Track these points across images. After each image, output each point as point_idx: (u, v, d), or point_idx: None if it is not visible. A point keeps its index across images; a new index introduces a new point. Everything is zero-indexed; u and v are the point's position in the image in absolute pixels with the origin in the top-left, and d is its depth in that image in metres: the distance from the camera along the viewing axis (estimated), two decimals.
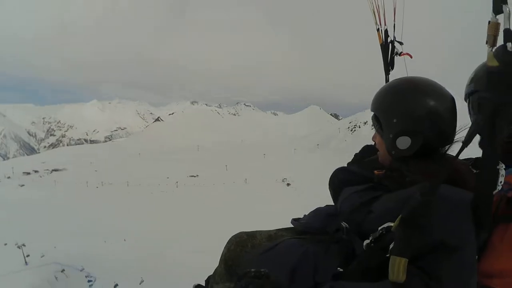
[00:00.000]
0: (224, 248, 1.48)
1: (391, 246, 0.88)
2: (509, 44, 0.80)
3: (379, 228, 0.93)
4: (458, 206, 0.92)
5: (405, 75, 1.51)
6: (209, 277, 1.67)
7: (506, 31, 0.80)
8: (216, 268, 1.55)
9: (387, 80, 1.79)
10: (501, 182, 0.92)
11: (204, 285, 1.72)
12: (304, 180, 49.52)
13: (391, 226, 0.90)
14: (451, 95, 1.20)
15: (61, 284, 11.33)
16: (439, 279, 0.84)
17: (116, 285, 11.83)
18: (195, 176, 78.46)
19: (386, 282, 0.84)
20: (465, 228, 0.91)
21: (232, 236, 1.50)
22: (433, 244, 0.87)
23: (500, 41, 0.85)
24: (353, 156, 1.68)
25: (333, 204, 1.50)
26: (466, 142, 0.87)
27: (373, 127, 1.31)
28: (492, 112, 0.84)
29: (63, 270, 11.55)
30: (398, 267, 0.81)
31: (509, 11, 0.81)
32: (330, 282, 0.91)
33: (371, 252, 0.94)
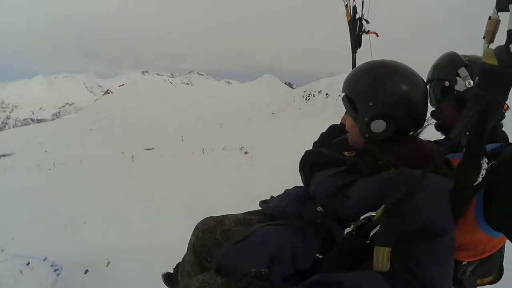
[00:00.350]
0: (192, 235, 1.46)
1: (372, 233, 0.90)
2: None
3: (361, 218, 0.94)
4: (439, 194, 0.96)
5: (370, 53, 1.67)
6: (178, 265, 1.67)
7: (510, 32, 0.80)
8: (185, 256, 1.53)
9: (353, 58, 1.76)
10: (482, 175, 0.95)
11: (173, 272, 1.74)
12: (261, 148, 50.22)
13: (373, 215, 0.91)
14: (424, 81, 1.27)
15: (27, 278, 10.78)
16: (421, 263, 0.85)
17: (87, 270, 11.59)
18: (150, 149, 76.42)
19: (372, 272, 0.85)
20: (446, 215, 0.94)
21: (198, 223, 1.48)
22: (415, 230, 0.88)
23: (498, 39, 0.86)
24: (319, 135, 1.68)
25: (298, 185, 1.53)
26: (458, 136, 0.90)
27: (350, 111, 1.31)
28: (486, 109, 0.84)
29: (28, 263, 10.93)
30: (382, 257, 0.82)
31: None
32: (318, 275, 0.90)
33: (352, 240, 0.95)
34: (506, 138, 1.48)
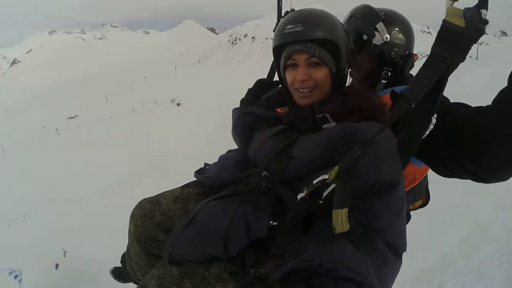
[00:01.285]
0: (130, 224, 1.36)
1: (324, 193, 0.91)
2: (483, 11, 0.79)
3: (315, 182, 0.92)
4: (390, 149, 0.95)
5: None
6: (123, 256, 1.60)
7: None
8: (128, 247, 1.44)
9: (279, 6, 1.61)
10: (430, 129, 0.98)
11: (120, 266, 1.66)
12: (192, 97, 49.64)
13: (326, 178, 0.90)
14: None
15: None
16: (376, 216, 0.87)
17: (57, 265, 10.88)
18: (74, 117, 70.98)
19: (336, 237, 0.84)
20: (396, 167, 0.94)
21: (133, 209, 1.38)
22: (368, 186, 0.89)
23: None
24: (246, 91, 1.57)
25: (233, 148, 1.47)
26: (416, 97, 0.89)
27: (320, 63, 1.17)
28: (446, 70, 0.84)
29: None
30: (341, 219, 0.81)
31: None
32: (293, 262, 0.84)
33: (306, 204, 0.94)
34: None
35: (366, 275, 0.77)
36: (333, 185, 0.89)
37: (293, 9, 1.35)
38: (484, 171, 0.98)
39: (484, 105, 1.00)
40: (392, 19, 1.55)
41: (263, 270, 0.91)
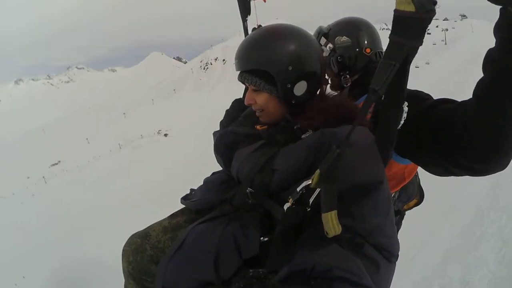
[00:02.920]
0: (123, 262, 1.35)
1: (311, 200, 0.90)
2: None
3: (298, 189, 0.91)
4: (368, 147, 0.96)
5: (255, 21, 1.59)
6: None
7: None
8: (125, 285, 1.41)
9: (245, 26, 1.63)
10: (404, 118, 0.97)
11: None
12: (177, 126, 49.83)
13: (310, 183, 0.88)
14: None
15: None
16: (363, 219, 0.86)
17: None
18: (57, 164, 69.05)
19: (332, 245, 0.83)
20: (378, 166, 0.94)
21: (124, 246, 1.36)
22: (351, 187, 0.88)
23: None
24: (224, 112, 1.58)
25: (217, 170, 1.44)
26: (383, 87, 0.84)
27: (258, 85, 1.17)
28: (406, 57, 0.83)
29: None
30: (332, 222, 0.80)
31: None
32: (286, 266, 0.83)
33: (294, 213, 0.93)
34: None
35: (361, 275, 0.77)
36: (318, 190, 0.87)
37: (260, 25, 1.36)
38: (480, 165, 0.97)
39: (467, 98, 1.01)
40: (336, 28, 1.65)
41: (262, 270, 0.92)
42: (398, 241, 0.94)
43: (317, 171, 0.85)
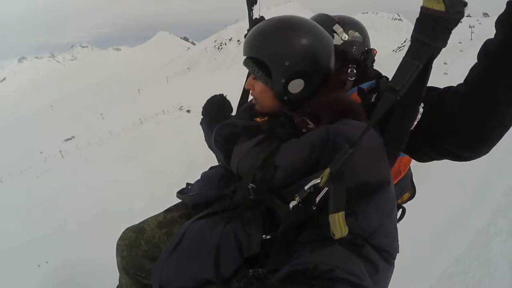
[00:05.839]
0: (117, 257, 1.33)
1: (317, 199, 0.87)
2: None
3: (306, 188, 0.89)
4: (377, 148, 0.94)
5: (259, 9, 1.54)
6: None
7: None
8: (120, 280, 1.40)
9: (250, 16, 1.59)
10: (418, 119, 0.96)
11: None
12: (196, 103, 49.02)
13: (318, 182, 0.86)
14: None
15: None
16: (367, 217, 0.85)
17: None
18: (71, 139, 68.59)
19: (334, 245, 0.83)
20: (384, 167, 0.93)
21: (118, 241, 1.34)
22: (358, 187, 0.87)
23: None
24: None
25: (215, 164, 1.46)
26: (405, 87, 0.82)
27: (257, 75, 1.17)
28: (430, 57, 0.81)
29: None
30: (339, 223, 0.80)
31: None
32: (287, 265, 0.83)
33: (299, 211, 0.91)
34: (378, 73, 1.62)
35: (362, 277, 0.76)
36: (326, 189, 0.85)
37: (262, 16, 1.40)
38: (467, 151, 0.98)
39: (453, 85, 1.00)
40: (345, 22, 1.66)
41: (262, 270, 0.89)
42: (398, 243, 0.93)
43: (327, 170, 0.83)
